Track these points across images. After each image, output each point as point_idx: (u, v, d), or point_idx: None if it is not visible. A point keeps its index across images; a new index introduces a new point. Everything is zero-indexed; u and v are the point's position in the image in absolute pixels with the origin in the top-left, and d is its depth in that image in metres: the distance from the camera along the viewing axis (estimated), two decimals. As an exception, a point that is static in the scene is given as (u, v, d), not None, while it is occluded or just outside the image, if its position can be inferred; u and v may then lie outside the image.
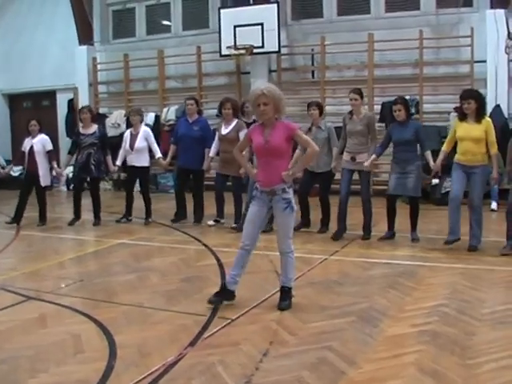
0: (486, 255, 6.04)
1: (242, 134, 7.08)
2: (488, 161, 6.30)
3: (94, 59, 13.61)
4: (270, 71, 11.90)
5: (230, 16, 11.41)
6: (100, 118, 12.57)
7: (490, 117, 6.66)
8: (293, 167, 4.49)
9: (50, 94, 14.42)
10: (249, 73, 11.88)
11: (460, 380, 3.17)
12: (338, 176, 7.30)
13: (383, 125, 10.15)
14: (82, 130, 8.40)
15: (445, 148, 6.53)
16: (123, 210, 8.61)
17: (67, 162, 8.92)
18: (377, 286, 5.09)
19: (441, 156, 6.51)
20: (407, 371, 3.31)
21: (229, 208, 7.90)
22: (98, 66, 13.66)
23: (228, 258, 5.29)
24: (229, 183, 7.90)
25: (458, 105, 6.74)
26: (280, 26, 11.13)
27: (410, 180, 6.63)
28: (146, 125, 10.93)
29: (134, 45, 13.38)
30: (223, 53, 11.52)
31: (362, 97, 7.05)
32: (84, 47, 13.57)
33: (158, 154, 8.37)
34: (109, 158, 8.44)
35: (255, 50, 11.23)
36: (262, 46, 11.16)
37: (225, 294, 4.56)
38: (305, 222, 7.55)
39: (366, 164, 6.78)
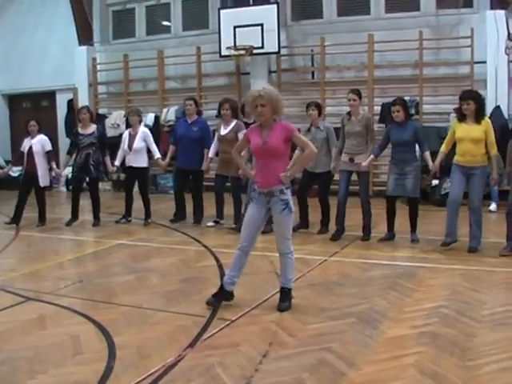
0: (486, 256, 6.04)
1: (240, 135, 7.08)
2: (487, 162, 6.30)
3: (94, 59, 13.60)
4: (270, 72, 11.90)
5: (229, 16, 11.41)
6: (100, 119, 12.59)
7: (490, 118, 6.66)
8: (291, 168, 4.48)
9: (50, 95, 14.41)
10: (249, 73, 11.88)
11: (460, 382, 3.17)
12: (337, 176, 7.29)
13: (383, 126, 10.14)
14: (80, 131, 8.38)
15: (443, 149, 6.52)
16: (123, 211, 8.60)
17: (66, 163, 8.90)
18: (376, 287, 5.09)
19: (439, 157, 6.50)
20: (407, 373, 3.30)
21: (228, 209, 7.89)
22: (98, 67, 13.66)
23: (227, 258, 5.28)
24: (228, 184, 7.90)
25: (457, 106, 6.74)
26: (280, 26, 11.13)
27: (409, 181, 6.62)
28: (146, 125, 10.94)
29: (134, 45, 13.38)
30: (223, 53, 11.52)
31: (360, 97, 7.04)
32: (84, 47, 13.57)
33: (157, 155, 8.36)
34: (107, 159, 8.43)
35: (255, 51, 11.23)
36: (262, 47, 11.16)
37: (223, 295, 4.56)
38: (303, 223, 7.54)
39: (364, 164, 6.77)
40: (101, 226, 8.32)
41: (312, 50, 11.56)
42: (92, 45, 13.70)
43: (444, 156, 6.55)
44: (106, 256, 6.62)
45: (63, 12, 13.58)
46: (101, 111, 13.53)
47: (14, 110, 15.32)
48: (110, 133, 12.06)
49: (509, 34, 9.94)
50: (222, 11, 11.64)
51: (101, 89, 13.90)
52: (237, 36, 11.24)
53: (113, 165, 8.43)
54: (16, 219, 8.39)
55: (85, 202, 8.81)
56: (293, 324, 4.16)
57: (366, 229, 7.03)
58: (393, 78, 10.87)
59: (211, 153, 8.02)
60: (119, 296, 4.95)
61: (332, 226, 7.26)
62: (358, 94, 7.01)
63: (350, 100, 6.98)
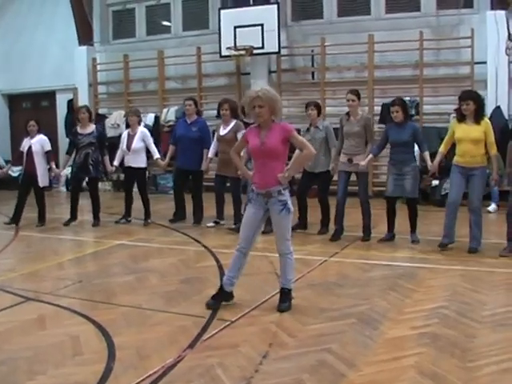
0: (486, 257, 6.03)
1: (240, 135, 7.07)
2: (487, 162, 6.30)
3: (94, 60, 13.60)
4: (270, 72, 11.89)
5: (230, 17, 11.41)
6: (100, 119, 12.59)
7: (490, 118, 6.66)
8: (289, 169, 4.47)
9: (50, 95, 14.41)
10: (249, 74, 11.88)
11: (460, 383, 3.16)
12: (336, 177, 7.28)
13: (384, 126, 10.11)
14: (79, 130, 8.37)
15: (442, 149, 6.52)
16: (123, 211, 8.60)
17: (65, 163, 8.89)
18: (377, 287, 5.08)
19: (438, 157, 6.50)
20: (407, 374, 3.29)
21: (229, 209, 7.88)
22: (98, 67, 13.65)
23: (227, 259, 5.26)
24: (228, 184, 7.89)
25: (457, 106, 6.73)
26: (280, 26, 11.13)
27: (407, 182, 6.61)
28: (146, 125, 10.94)
29: (134, 45, 13.38)
30: (223, 53, 11.52)
31: (359, 98, 7.02)
32: (84, 47, 13.56)
33: (157, 155, 8.36)
34: (106, 159, 8.43)
35: (255, 51, 11.22)
36: (262, 47, 11.16)
37: (222, 296, 4.56)
38: (302, 223, 7.53)
39: (362, 163, 6.75)
40: (100, 226, 8.32)
41: (312, 51, 11.56)
42: (92, 45, 13.69)
43: (443, 156, 6.55)
44: (105, 256, 6.61)
45: (63, 12, 13.58)
46: (101, 111, 13.53)
47: (14, 109, 15.32)
48: (110, 133, 12.07)
49: (509, 34, 9.94)
50: (222, 11, 11.64)
51: (101, 89, 13.89)
52: (237, 36, 11.24)
53: (112, 165, 8.43)
54: (16, 219, 8.38)
55: (84, 202, 8.80)
56: (293, 325, 4.15)
57: (366, 229, 7.03)
58: (393, 78, 10.86)
59: (211, 153, 8.02)
60: (119, 296, 4.95)
61: (332, 227, 7.25)
62: (357, 94, 7.00)
63: (348, 100, 6.98)
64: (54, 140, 10.19)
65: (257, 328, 4.10)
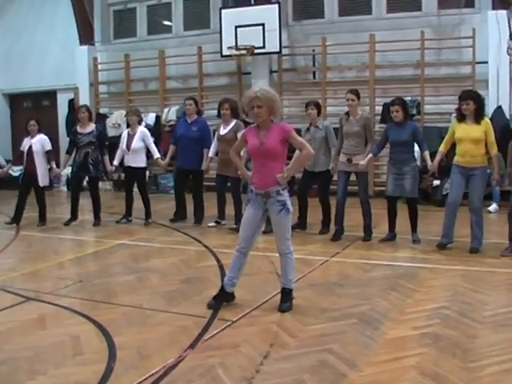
0: (487, 257, 6.02)
1: (240, 135, 7.06)
2: (488, 162, 6.29)
3: (95, 59, 13.59)
4: (271, 72, 11.89)
5: (231, 16, 11.41)
6: (101, 118, 12.60)
7: (491, 118, 6.64)
8: (288, 169, 4.46)
9: (51, 94, 14.42)
10: (250, 73, 11.87)
11: (462, 383, 3.15)
12: (336, 177, 7.27)
13: (384, 126, 10.11)
14: (79, 129, 8.37)
15: (442, 148, 6.51)
16: (123, 211, 8.59)
17: (65, 162, 8.89)
18: (378, 287, 5.07)
19: (438, 156, 6.49)
20: (408, 374, 3.29)
21: (230, 209, 7.88)
22: (99, 66, 13.65)
23: (228, 259, 5.25)
24: (229, 184, 7.88)
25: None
26: (281, 26, 11.13)
27: (407, 181, 6.60)
28: (147, 125, 10.95)
29: (135, 45, 13.37)
30: (224, 53, 11.51)
31: (358, 97, 7.00)
32: (85, 47, 13.56)
33: (157, 155, 8.35)
34: (106, 158, 8.42)
35: (256, 51, 11.22)
36: (263, 47, 11.16)
37: (223, 297, 4.56)
38: (301, 223, 7.52)
39: (362, 163, 6.73)
40: (101, 226, 8.31)
41: (313, 50, 11.55)
42: (93, 44, 13.69)
43: (443, 156, 6.54)
44: (106, 256, 6.61)
45: (64, 11, 13.58)
46: (102, 111, 13.53)
47: (14, 109, 15.33)
48: (111, 132, 12.07)
49: (510, 34, 9.91)
50: (223, 11, 11.64)
51: (102, 88, 13.89)
52: (238, 36, 11.24)
53: (112, 164, 8.43)
54: (16, 219, 8.38)
55: (85, 202, 8.80)
56: (294, 325, 4.14)
57: (367, 229, 7.02)
58: (394, 78, 10.85)
59: (211, 152, 8.01)
60: (119, 296, 4.94)
61: (333, 227, 7.24)
62: (357, 94, 6.99)
63: (348, 100, 6.96)
64: (54, 139, 10.20)
65: (258, 328, 4.09)
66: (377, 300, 4.68)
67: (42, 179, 8.31)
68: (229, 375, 3.32)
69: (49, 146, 8.38)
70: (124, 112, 12.37)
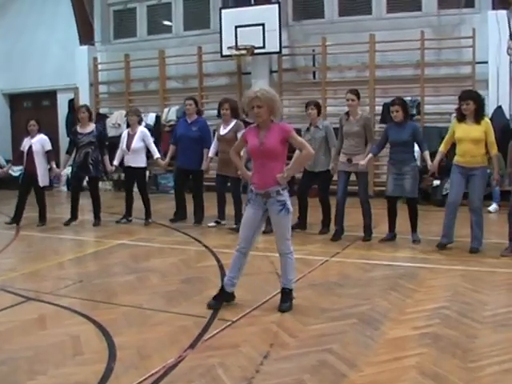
0: (487, 257, 6.02)
1: (240, 135, 7.06)
2: (488, 162, 6.29)
3: (95, 59, 13.59)
4: (271, 72, 11.89)
5: (231, 16, 11.41)
6: (101, 118, 12.59)
7: (491, 118, 6.64)
8: (288, 169, 4.46)
9: (51, 94, 14.42)
10: (250, 73, 11.87)
11: (462, 383, 3.15)
12: (336, 177, 7.27)
13: (385, 126, 10.11)
14: (79, 129, 8.37)
15: (442, 148, 6.51)
16: (123, 211, 8.59)
17: (65, 162, 8.89)
18: (378, 287, 5.07)
19: (438, 156, 6.49)
20: (408, 374, 3.29)
21: (230, 209, 7.87)
22: (99, 66, 13.65)
23: (228, 259, 5.25)
24: (229, 184, 7.88)
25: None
26: (281, 26, 11.12)
27: (407, 181, 6.60)
28: (147, 125, 10.94)
29: (135, 45, 13.37)
30: (224, 53, 11.51)
31: (358, 97, 7.00)
32: (85, 47, 13.56)
33: (157, 155, 8.35)
34: (106, 158, 8.42)
35: (256, 51, 11.22)
36: (263, 47, 11.15)
37: (223, 297, 4.56)
38: (301, 223, 7.52)
39: (362, 163, 6.73)
40: (101, 226, 8.31)
41: (313, 50, 11.55)
42: (93, 44, 13.69)
43: (443, 155, 6.54)
44: (106, 256, 6.61)
45: (64, 11, 13.58)
46: (102, 111, 13.53)
47: (14, 109, 15.33)
48: (111, 132, 12.07)
49: (510, 34, 9.91)
50: (223, 11, 11.64)
51: (102, 88, 13.89)
52: (238, 36, 11.24)
53: (111, 164, 8.42)
54: (16, 219, 8.38)
55: (85, 202, 8.80)
56: (294, 325, 4.14)
57: (367, 229, 7.02)
58: (394, 78, 10.85)
59: (211, 152, 8.01)
60: (119, 296, 4.94)
61: (333, 227, 7.24)
62: (357, 93, 6.98)
63: (348, 100, 6.96)
64: (55, 140, 10.20)
65: (258, 328, 4.09)
66: (377, 300, 4.67)
67: (42, 179, 8.31)
68: (229, 375, 3.32)
69: (49, 146, 8.37)
70: (124, 112, 12.37)
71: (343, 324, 4.13)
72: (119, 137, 8.80)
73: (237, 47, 11.23)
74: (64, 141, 13.04)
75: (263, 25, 11.04)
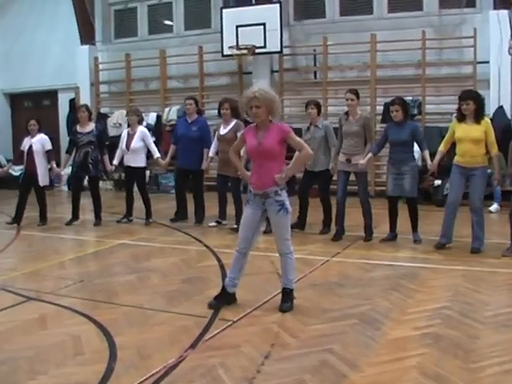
0: (488, 257, 6.01)
1: (240, 135, 7.06)
2: (488, 162, 6.28)
3: (96, 59, 13.60)
4: (272, 71, 11.89)
5: (232, 16, 11.41)
6: (101, 118, 12.60)
7: (492, 118, 6.63)
8: (287, 169, 4.46)
9: (52, 94, 14.43)
10: (251, 73, 11.86)
11: (463, 384, 3.15)
12: (335, 177, 7.26)
13: (385, 125, 10.10)
14: (79, 129, 8.36)
15: (442, 148, 6.50)
16: (124, 211, 8.59)
17: (65, 162, 8.88)
18: (379, 288, 5.06)
19: (438, 156, 6.48)
20: (409, 375, 3.28)
21: (231, 209, 7.87)
22: (100, 66, 13.65)
23: (229, 259, 5.25)
24: (230, 184, 7.87)
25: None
26: (282, 26, 11.12)
27: (406, 181, 6.60)
28: (148, 125, 10.94)
29: (136, 44, 13.38)
30: (225, 53, 11.51)
31: (358, 97, 6.99)
32: (86, 47, 13.57)
33: (157, 154, 8.35)
34: (106, 158, 8.42)
35: (257, 50, 11.22)
36: (264, 46, 11.16)
37: (225, 297, 4.55)
38: (300, 222, 7.51)
39: (361, 162, 6.72)
40: (102, 226, 8.31)
41: (314, 50, 11.55)
42: (94, 44, 13.69)
43: (443, 155, 6.54)
44: (107, 256, 6.60)
45: (65, 11, 13.58)
46: (102, 110, 13.54)
47: (15, 109, 15.34)
48: (112, 132, 12.09)
49: (512, 33, 9.92)
50: (224, 10, 11.64)
51: (102, 88, 13.89)
52: (239, 35, 11.24)
53: (111, 164, 8.42)
54: (17, 219, 8.38)
55: (86, 202, 8.80)
56: (294, 325, 4.14)
57: (368, 229, 7.01)
58: (395, 77, 10.84)
59: (211, 152, 8.01)
60: (120, 296, 4.94)
61: (334, 227, 7.23)
62: (356, 93, 6.97)
63: (347, 100, 6.95)
64: (55, 139, 10.20)
65: (258, 328, 4.09)
66: (378, 300, 4.67)
67: (43, 179, 8.30)
68: (230, 375, 3.31)
69: (49, 146, 8.37)
70: (125, 112, 12.38)
71: (344, 324, 4.13)
72: (119, 136, 8.80)
73: (238, 47, 11.22)
74: (65, 140, 13.01)
75: (264, 24, 11.04)
